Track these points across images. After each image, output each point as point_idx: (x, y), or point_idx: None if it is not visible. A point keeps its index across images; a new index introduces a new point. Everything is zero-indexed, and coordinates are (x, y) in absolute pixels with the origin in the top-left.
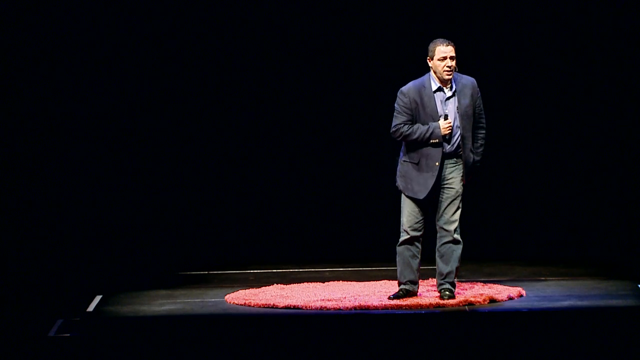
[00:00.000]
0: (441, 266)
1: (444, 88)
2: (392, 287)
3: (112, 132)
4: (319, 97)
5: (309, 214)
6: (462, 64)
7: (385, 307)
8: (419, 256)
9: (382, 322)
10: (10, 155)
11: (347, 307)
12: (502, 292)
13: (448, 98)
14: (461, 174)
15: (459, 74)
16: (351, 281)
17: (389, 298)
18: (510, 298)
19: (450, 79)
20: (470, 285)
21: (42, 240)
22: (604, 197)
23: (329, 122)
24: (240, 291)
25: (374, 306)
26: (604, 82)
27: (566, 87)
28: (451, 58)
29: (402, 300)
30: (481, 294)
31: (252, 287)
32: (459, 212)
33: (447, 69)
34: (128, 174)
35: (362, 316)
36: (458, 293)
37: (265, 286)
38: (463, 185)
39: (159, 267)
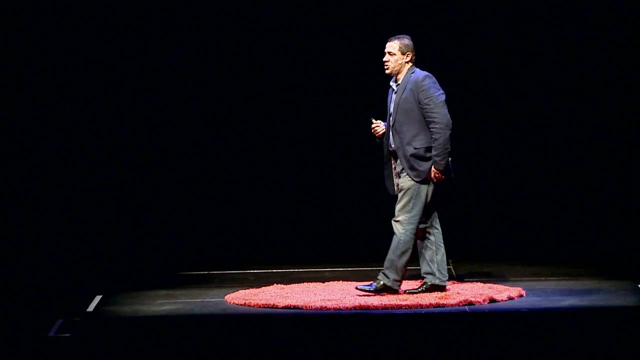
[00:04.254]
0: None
1: (394, 84)
2: None
3: (113, 132)
4: (320, 96)
5: (309, 214)
6: (464, 61)
7: (385, 307)
8: (434, 247)
9: (382, 322)
10: (10, 155)
11: (347, 307)
12: (502, 292)
13: (395, 93)
14: (406, 168)
15: (418, 70)
16: (351, 281)
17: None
18: (510, 298)
19: (391, 74)
20: (471, 285)
21: (42, 240)
22: (604, 197)
23: (329, 122)
24: (240, 291)
25: (374, 306)
26: (604, 82)
27: (566, 87)
28: (388, 53)
29: (402, 300)
30: (481, 294)
31: (252, 287)
32: (405, 207)
33: (384, 63)
34: (128, 174)
35: (362, 316)
36: (458, 293)
37: (265, 286)
38: (421, 181)
39: (159, 267)
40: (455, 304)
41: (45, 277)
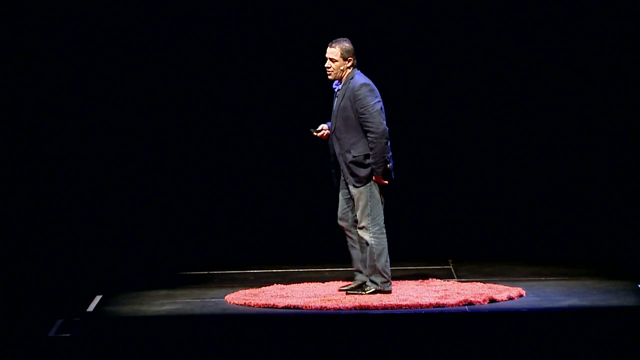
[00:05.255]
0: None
1: (337, 87)
2: (393, 287)
3: (112, 132)
4: (318, 96)
5: (309, 214)
6: (465, 61)
7: (385, 307)
8: (357, 246)
9: (382, 322)
10: (10, 155)
11: (347, 307)
12: (502, 292)
13: (337, 98)
14: (347, 174)
15: (359, 75)
16: (351, 282)
17: (340, 289)
18: (510, 298)
19: (335, 80)
20: (471, 285)
21: (42, 240)
22: (604, 197)
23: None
24: (240, 291)
25: (374, 306)
26: (603, 82)
27: (566, 87)
28: (330, 59)
29: (402, 300)
30: (481, 294)
31: (252, 287)
32: (364, 211)
33: (326, 69)
34: (128, 173)
35: (362, 316)
36: (458, 293)
37: (265, 286)
38: (368, 182)
39: (159, 267)
40: (455, 304)
41: (45, 277)
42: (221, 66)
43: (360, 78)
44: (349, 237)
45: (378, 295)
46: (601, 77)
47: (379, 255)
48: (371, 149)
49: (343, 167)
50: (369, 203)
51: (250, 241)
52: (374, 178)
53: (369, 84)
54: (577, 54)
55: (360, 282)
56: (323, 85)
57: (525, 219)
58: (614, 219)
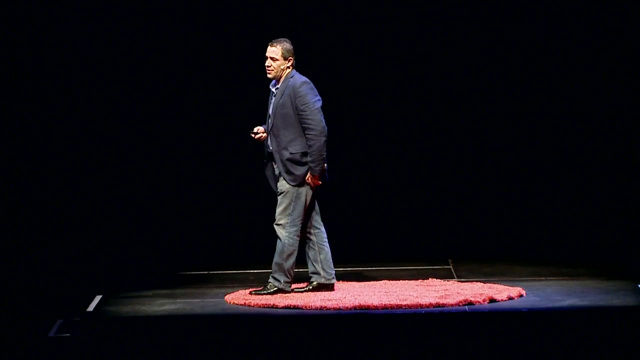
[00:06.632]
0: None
1: (273, 88)
2: (393, 287)
3: (112, 132)
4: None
5: None
6: (464, 60)
7: (385, 307)
8: (316, 248)
9: (382, 322)
10: (10, 155)
11: (347, 307)
12: (502, 292)
13: (275, 97)
14: (282, 172)
15: (298, 74)
16: (351, 281)
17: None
18: (510, 298)
19: (273, 78)
20: (470, 285)
21: (42, 240)
22: (604, 197)
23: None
24: (240, 291)
25: (374, 306)
26: (604, 82)
27: (567, 87)
28: (271, 58)
29: (402, 300)
30: (481, 294)
31: (252, 287)
32: (286, 210)
33: (266, 68)
34: (128, 173)
35: (362, 316)
36: (458, 293)
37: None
38: (299, 184)
39: (159, 267)
40: (455, 304)
41: (45, 277)
42: (221, 66)
43: (300, 77)
44: (309, 238)
45: (378, 295)
46: (601, 77)
47: (289, 255)
48: (310, 146)
49: (279, 164)
50: (293, 203)
51: (250, 241)
52: (308, 178)
53: (309, 82)
54: (577, 53)
55: (315, 283)
56: (320, 83)
57: (525, 219)
58: (614, 219)
